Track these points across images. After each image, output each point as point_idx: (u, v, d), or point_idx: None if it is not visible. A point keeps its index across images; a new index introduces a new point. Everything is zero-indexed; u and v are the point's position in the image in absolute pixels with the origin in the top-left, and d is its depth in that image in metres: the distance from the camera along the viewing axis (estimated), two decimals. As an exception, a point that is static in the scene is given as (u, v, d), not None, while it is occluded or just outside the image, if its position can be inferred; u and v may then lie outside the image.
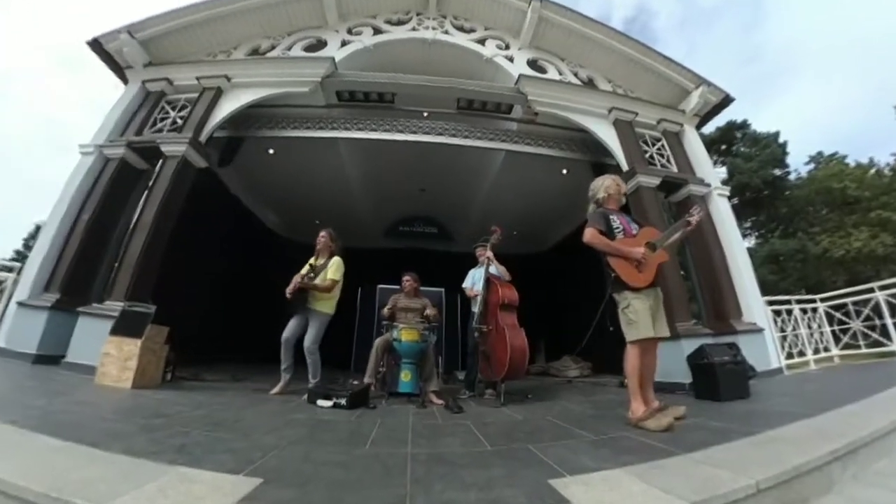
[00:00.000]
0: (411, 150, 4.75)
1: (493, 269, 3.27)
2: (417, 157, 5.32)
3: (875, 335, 3.94)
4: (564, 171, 5.47)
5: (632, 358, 2.01)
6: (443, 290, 6.02)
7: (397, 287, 3.44)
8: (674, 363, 2.98)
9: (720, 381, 2.53)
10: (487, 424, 1.99)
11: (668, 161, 4.32)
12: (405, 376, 2.81)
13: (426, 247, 7.63)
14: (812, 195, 13.16)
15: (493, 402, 2.64)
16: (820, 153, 14.55)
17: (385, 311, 3.24)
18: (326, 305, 2.79)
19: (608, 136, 4.22)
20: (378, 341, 2.98)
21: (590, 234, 2.12)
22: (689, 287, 4.14)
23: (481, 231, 3.51)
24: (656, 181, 3.92)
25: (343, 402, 2.28)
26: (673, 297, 3.23)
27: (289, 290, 2.72)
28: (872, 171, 12.41)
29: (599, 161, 4.82)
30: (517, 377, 2.74)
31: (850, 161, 13.33)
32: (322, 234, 2.99)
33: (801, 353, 3.93)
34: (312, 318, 2.74)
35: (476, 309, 3.05)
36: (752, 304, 3.69)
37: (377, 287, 5.74)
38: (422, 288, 3.47)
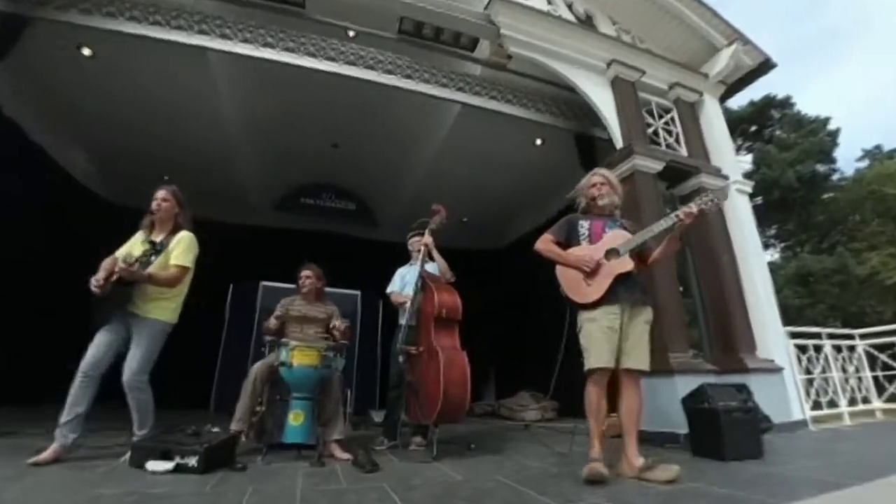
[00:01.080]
0: (325, 85, 4.74)
1: (430, 266, 3.44)
2: (333, 97, 5.32)
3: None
4: (539, 142, 5.86)
5: (586, 395, 2.32)
6: (359, 293, 6.28)
7: (292, 286, 3.47)
8: (664, 406, 3.36)
9: (725, 433, 2.81)
10: (413, 488, 2.08)
11: (678, 141, 4.85)
12: (295, 419, 2.82)
13: (338, 230, 7.79)
14: (859, 200, 15.23)
15: (423, 456, 2.76)
16: (878, 147, 16.76)
17: (271, 321, 3.26)
18: (163, 310, 2.58)
19: (602, 100, 4.61)
20: (257, 367, 2.98)
21: (539, 242, 2.50)
22: (688, 306, 4.66)
23: (419, 215, 3.66)
24: (658, 166, 4.36)
25: (192, 462, 2.21)
26: (666, 318, 3.66)
27: (96, 280, 2.37)
28: None
29: (586, 133, 5.23)
30: (456, 419, 2.89)
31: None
32: (161, 193, 2.74)
33: (833, 404, 4.56)
34: (139, 331, 2.49)
35: (404, 321, 3.18)
36: (771, 334, 4.27)
37: (259, 284, 5.78)
38: (329, 289, 3.53)
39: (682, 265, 4.89)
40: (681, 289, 4.25)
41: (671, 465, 2.17)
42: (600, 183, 2.63)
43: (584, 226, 2.53)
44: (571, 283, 2.41)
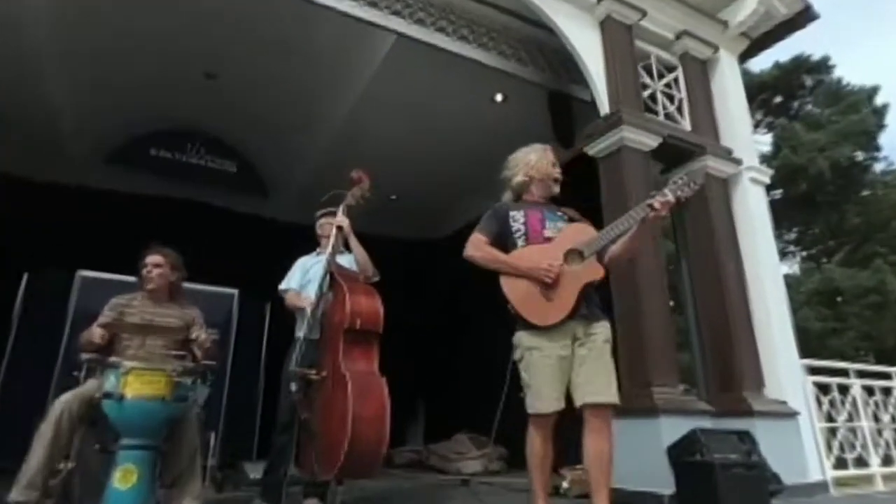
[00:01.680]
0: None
1: (344, 259, 3.49)
2: (212, 7, 5.21)
3: None
4: (499, 98, 6.06)
5: (528, 441, 2.44)
6: (236, 292, 6.19)
7: (129, 279, 3.39)
8: (644, 457, 3.56)
9: (722, 495, 2.98)
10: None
11: (680, 110, 5.17)
12: (124, 480, 2.68)
13: (208, 199, 7.62)
14: None
15: (320, 529, 2.79)
16: None
17: (94, 330, 3.08)
18: None
19: (587, 46, 4.82)
20: (65, 400, 2.83)
21: (470, 246, 2.60)
22: (679, 325, 4.98)
23: (329, 185, 3.66)
24: (653, 142, 4.60)
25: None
26: (651, 341, 3.92)
27: None
28: None
29: (563, 91, 5.43)
30: (368, 473, 2.92)
31: None
32: None
33: (861, 462, 4.91)
34: None
35: (302, 333, 3.20)
36: (784, 368, 4.63)
37: (76, 274, 5.54)
38: (189, 285, 3.48)
39: (674, 273, 5.23)
40: (671, 303, 4.56)
41: None
42: (549, 163, 2.80)
43: (517, 218, 2.62)
44: (526, 300, 2.46)
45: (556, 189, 2.77)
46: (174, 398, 2.76)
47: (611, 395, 2.39)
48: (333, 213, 3.56)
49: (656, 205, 2.37)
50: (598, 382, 2.37)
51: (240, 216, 7.78)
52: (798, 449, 4.26)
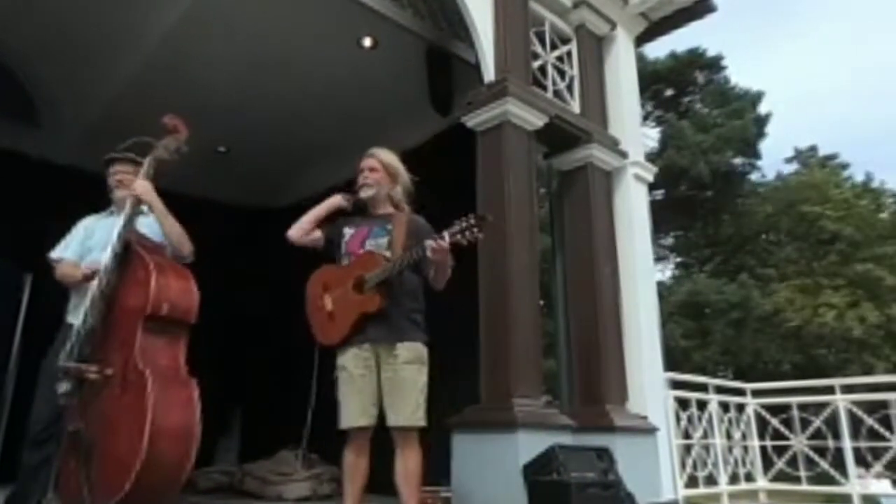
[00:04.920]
0: None
1: (145, 224, 3.18)
2: None
3: (825, 464, 5.59)
4: (367, 43, 5.92)
5: (343, 454, 2.97)
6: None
7: None
8: (499, 477, 3.71)
9: None
10: None
11: (570, 89, 5.40)
12: None
13: None
14: (777, 214, 18.71)
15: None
16: (813, 149, 20.52)
17: None
18: None
19: (476, -4, 4.84)
20: None
21: (294, 226, 3.24)
22: (547, 330, 5.19)
23: (132, 128, 3.28)
24: (538, 121, 4.74)
25: None
26: (516, 346, 4.05)
27: None
28: (864, 200, 17.91)
29: (443, 47, 5.48)
30: (159, 501, 2.75)
31: (854, 173, 19.14)
32: None
33: (711, 480, 5.49)
34: None
35: (78, 317, 2.90)
36: (648, 381, 5.02)
37: None
38: None
39: (547, 271, 5.46)
40: (541, 303, 4.76)
41: None
42: (368, 168, 3.27)
43: (345, 236, 3.20)
44: (316, 311, 3.15)
45: (364, 195, 3.24)
46: None
47: (410, 419, 2.88)
48: (131, 161, 3.29)
49: (428, 252, 2.80)
50: (398, 406, 2.89)
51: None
52: (654, 467, 4.63)
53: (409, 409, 2.90)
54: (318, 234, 3.25)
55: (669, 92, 22.01)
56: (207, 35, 5.80)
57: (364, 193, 3.22)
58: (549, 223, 5.61)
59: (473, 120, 4.62)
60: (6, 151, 6.50)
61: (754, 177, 21.45)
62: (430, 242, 2.80)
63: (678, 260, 21.67)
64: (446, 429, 3.97)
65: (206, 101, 6.31)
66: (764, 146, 21.25)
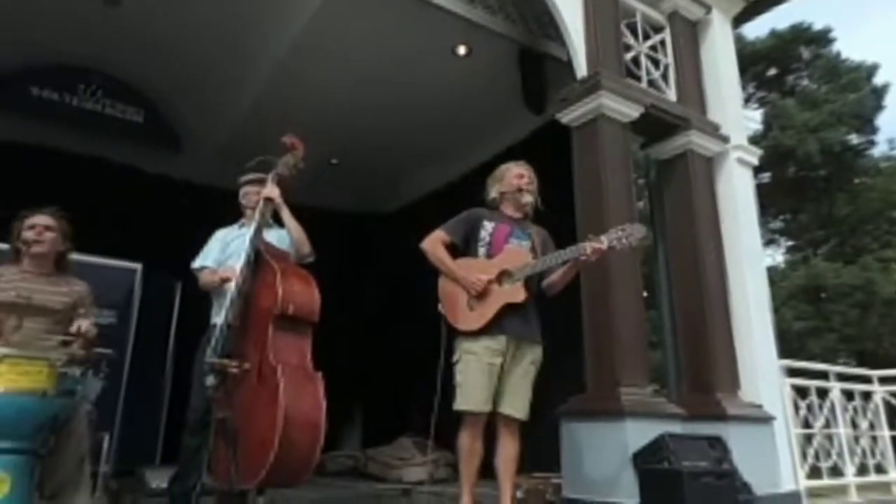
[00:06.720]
0: None
1: (273, 234, 3.46)
2: None
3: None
4: (462, 51, 6.03)
5: (458, 439, 3.09)
6: (139, 267, 5.99)
7: (3, 247, 3.27)
8: (608, 464, 3.70)
9: None
10: None
11: (665, 77, 5.27)
12: None
13: (106, 153, 7.27)
14: None
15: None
16: None
17: None
18: None
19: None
20: None
21: (428, 240, 3.30)
22: (651, 319, 5.06)
23: (258, 147, 3.57)
24: (634, 112, 4.66)
25: None
26: (620, 336, 4.02)
27: None
28: None
29: (535, 48, 5.46)
30: (296, 481, 2.92)
31: None
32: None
33: (837, 471, 5.18)
34: None
35: (220, 318, 3.13)
36: (761, 369, 4.80)
37: None
38: (80, 257, 3.42)
39: (648, 261, 5.33)
40: (645, 294, 4.65)
41: None
42: (528, 176, 3.41)
43: (487, 228, 3.29)
44: (451, 303, 3.20)
45: (525, 199, 3.38)
46: (57, 392, 2.66)
47: (520, 412, 3.10)
48: (261, 182, 3.50)
49: (588, 250, 2.92)
50: (512, 399, 3.08)
51: (146, 176, 7.44)
52: (772, 457, 4.44)
53: (523, 404, 3.09)
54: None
55: (772, 71, 20.74)
56: (317, 56, 6.21)
57: (525, 199, 3.37)
58: (649, 214, 5.48)
59: (568, 116, 4.61)
60: (158, 176, 7.54)
61: (876, 152, 19.73)
62: (589, 244, 2.93)
63: (789, 243, 20.41)
64: (555, 418, 4.01)
65: (319, 119, 6.65)
66: (882, 120, 19.69)
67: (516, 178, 3.39)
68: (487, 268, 3.14)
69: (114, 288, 5.41)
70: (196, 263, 3.65)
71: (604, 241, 2.92)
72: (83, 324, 2.99)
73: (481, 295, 3.08)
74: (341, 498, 4.48)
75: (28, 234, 3.12)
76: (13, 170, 6.19)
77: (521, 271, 3.05)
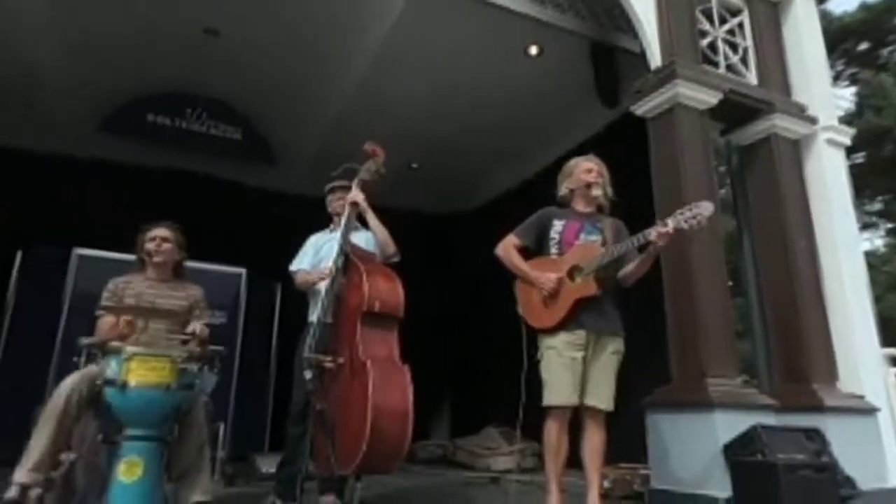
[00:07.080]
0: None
1: (360, 236, 3.62)
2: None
3: None
4: (533, 51, 6.02)
5: (545, 432, 3.15)
6: (243, 272, 6.37)
7: (128, 258, 3.54)
8: (696, 456, 3.65)
9: (785, 499, 3.09)
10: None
11: (744, 61, 5.12)
12: (129, 472, 2.79)
13: (211, 170, 7.82)
14: None
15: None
16: None
17: (107, 321, 3.21)
18: None
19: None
20: (71, 383, 2.90)
21: (501, 246, 3.42)
22: (739, 308, 4.90)
23: (342, 155, 3.76)
24: (712, 98, 4.56)
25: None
26: (706, 327, 3.95)
27: None
28: None
29: (607, 41, 5.43)
30: (389, 468, 3.04)
31: None
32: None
33: None
34: None
35: (315, 317, 3.35)
36: (862, 358, 4.60)
37: (72, 252, 5.71)
38: (192, 264, 3.64)
39: (733, 248, 5.17)
40: (730, 283, 4.53)
41: None
42: (597, 170, 3.42)
43: (556, 227, 3.35)
44: (528, 302, 3.30)
45: (594, 193, 3.37)
46: (179, 386, 2.86)
47: (604, 403, 3.15)
48: (346, 188, 3.68)
49: (653, 235, 2.94)
50: (596, 391, 3.13)
51: (246, 188, 7.94)
52: (877, 450, 4.25)
53: (608, 395, 3.14)
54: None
55: (863, 46, 19.51)
56: (394, 69, 6.36)
57: (594, 192, 3.36)
58: (733, 201, 5.32)
59: (643, 108, 4.57)
60: (255, 188, 7.99)
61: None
62: (654, 229, 2.94)
63: (889, 226, 19.19)
64: (641, 409, 3.99)
65: (398, 126, 6.86)
66: None
67: (584, 172, 3.41)
68: (558, 265, 3.22)
69: (223, 291, 5.76)
70: (293, 266, 3.88)
71: (669, 224, 2.90)
72: (196, 326, 3.24)
73: (554, 293, 3.15)
74: (431, 485, 4.60)
75: (150, 246, 3.41)
76: (135, 188, 6.79)
77: (590, 265, 3.10)
